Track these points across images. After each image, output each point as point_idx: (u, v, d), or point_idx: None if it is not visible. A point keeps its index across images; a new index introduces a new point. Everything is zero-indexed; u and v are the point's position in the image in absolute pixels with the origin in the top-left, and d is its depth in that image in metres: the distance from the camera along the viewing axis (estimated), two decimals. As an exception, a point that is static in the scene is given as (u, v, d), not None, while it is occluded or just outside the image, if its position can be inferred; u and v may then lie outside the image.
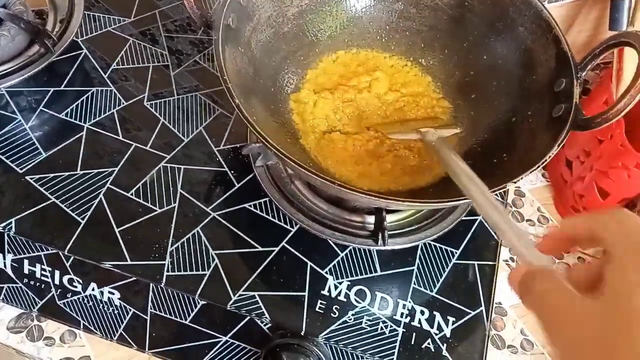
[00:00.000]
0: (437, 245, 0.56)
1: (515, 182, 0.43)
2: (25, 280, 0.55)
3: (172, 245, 0.53)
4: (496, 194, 0.46)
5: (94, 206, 0.54)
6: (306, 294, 0.52)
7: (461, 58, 0.60)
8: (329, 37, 0.61)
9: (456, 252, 0.56)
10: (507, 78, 0.56)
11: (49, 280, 0.54)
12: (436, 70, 0.62)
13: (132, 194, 0.55)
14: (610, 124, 0.46)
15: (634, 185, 0.63)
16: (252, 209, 0.56)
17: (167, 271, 0.51)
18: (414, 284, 0.54)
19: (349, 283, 0.53)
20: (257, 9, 0.54)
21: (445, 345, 0.51)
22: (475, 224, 0.58)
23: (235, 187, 0.57)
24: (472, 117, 0.58)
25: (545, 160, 0.44)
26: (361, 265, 0.54)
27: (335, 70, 0.61)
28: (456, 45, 0.60)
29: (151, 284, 0.52)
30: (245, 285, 0.51)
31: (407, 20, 0.62)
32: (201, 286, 0.51)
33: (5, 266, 0.55)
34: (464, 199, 0.41)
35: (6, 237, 0.54)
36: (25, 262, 0.54)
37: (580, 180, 0.68)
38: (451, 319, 0.53)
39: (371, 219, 0.55)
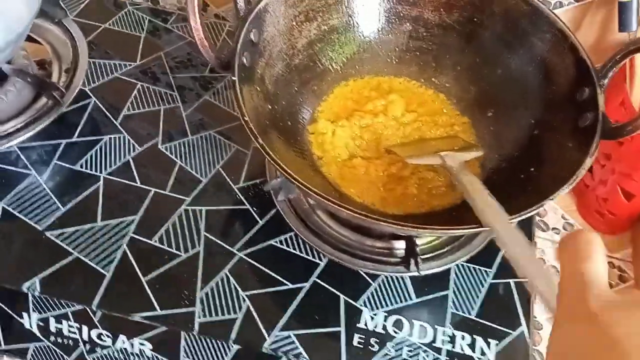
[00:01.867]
0: (471, 266, 0.55)
1: (553, 199, 0.41)
2: (52, 338, 0.54)
3: (201, 290, 0.52)
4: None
5: (118, 257, 0.53)
6: (342, 329, 0.51)
7: (475, 74, 0.59)
8: (340, 64, 0.61)
9: (490, 272, 0.55)
10: (525, 90, 0.55)
11: (77, 336, 0.53)
12: (451, 88, 0.61)
13: (155, 241, 0.54)
14: None
15: (660, 186, 0.62)
16: (278, 245, 0.55)
17: (199, 318, 0.50)
18: (451, 308, 0.53)
19: (385, 313, 0.52)
20: (267, 45, 0.54)
21: (491, 370, 0.50)
22: (506, 241, 0.57)
23: (259, 224, 0.56)
24: (492, 132, 0.57)
25: (580, 173, 0.43)
26: (395, 294, 0.53)
27: (349, 97, 0.60)
28: (468, 61, 0.60)
29: (182, 332, 0.51)
30: (280, 325, 0.50)
31: (416, 40, 0.61)
32: (234, 330, 0.50)
33: (31, 326, 0.53)
34: None
35: (30, 297, 0.52)
36: (52, 320, 0.53)
37: (603, 183, 0.67)
38: (493, 342, 0.51)
39: (398, 244, 0.54)
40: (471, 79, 0.60)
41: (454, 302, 0.53)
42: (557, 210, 0.71)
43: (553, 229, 0.69)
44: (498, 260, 0.55)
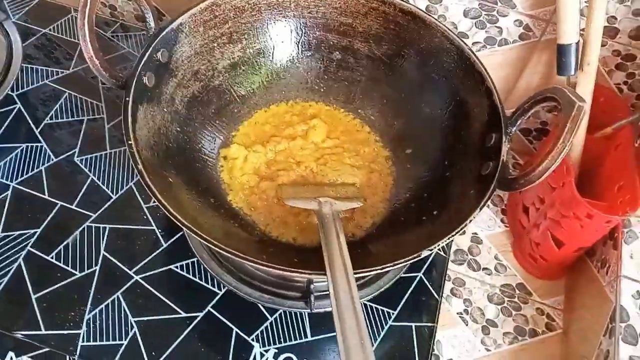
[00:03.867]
0: (374, 305, 0.53)
1: (431, 250, 0.40)
2: (-58, 349, 0.52)
3: (89, 313, 0.50)
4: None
5: (12, 271, 0.52)
6: (228, 364, 0.49)
7: (399, 108, 0.58)
8: (263, 88, 0.60)
9: (393, 314, 0.53)
10: (442, 130, 0.54)
11: (-33, 348, 0.52)
12: (375, 120, 0.60)
13: (52, 257, 0.53)
14: (562, 173, 0.44)
15: (587, 235, 0.60)
16: (178, 270, 0.54)
17: (82, 341, 0.49)
18: (347, 349, 0.51)
19: (276, 350, 0.50)
20: (181, 65, 0.52)
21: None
22: (415, 282, 0.55)
23: (163, 247, 0.55)
24: (408, 170, 0.56)
25: (466, 224, 0.41)
26: (291, 330, 0.51)
27: (269, 122, 0.59)
28: (394, 95, 0.58)
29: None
30: (164, 356, 0.49)
31: (345, 70, 0.60)
32: (116, 358, 0.48)
33: None
34: (409, 259, 0.39)
35: None
36: (-61, 329, 0.52)
37: (536, 227, 0.65)
38: (386, 388, 0.49)
39: (301, 277, 0.52)
40: (395, 114, 0.58)
41: (351, 342, 0.51)
42: (491, 249, 0.70)
43: (484, 269, 0.68)
44: (402, 302, 0.54)
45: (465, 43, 0.53)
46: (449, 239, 0.40)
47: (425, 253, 0.40)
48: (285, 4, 0.57)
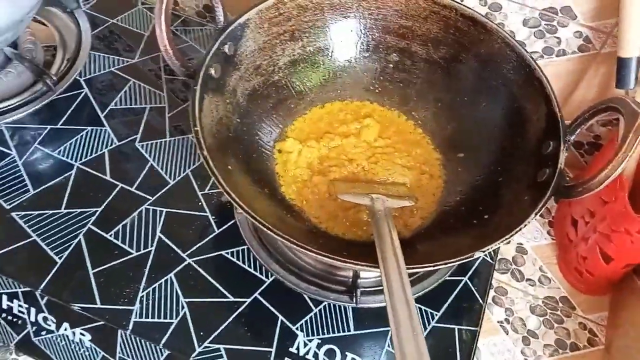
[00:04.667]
0: (417, 305, 0.54)
1: (484, 252, 0.40)
2: (4, 314, 0.55)
3: (143, 291, 0.52)
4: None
5: (72, 246, 0.54)
6: (273, 350, 0.50)
7: (454, 112, 0.58)
8: (320, 86, 0.61)
9: (436, 315, 0.53)
10: (497, 136, 0.54)
11: (25, 316, 0.55)
12: (428, 123, 0.60)
13: (111, 236, 0.55)
14: (614, 186, 0.43)
15: (637, 252, 0.59)
16: (228, 256, 0.55)
17: (135, 317, 0.51)
18: (389, 346, 0.52)
19: (320, 341, 0.51)
20: (245, 59, 0.54)
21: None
22: (460, 285, 0.55)
23: (215, 233, 0.57)
24: (459, 173, 0.56)
25: (520, 229, 0.42)
26: (334, 323, 0.52)
27: (324, 119, 0.60)
28: (449, 99, 0.59)
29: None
30: (212, 337, 0.50)
31: (401, 71, 0.61)
32: (167, 335, 0.50)
33: (-17, 300, 0.55)
34: (463, 258, 0.40)
35: (-14, 273, 0.54)
36: (4, 297, 0.55)
37: (584, 241, 0.64)
38: (426, 387, 0.50)
39: (346, 272, 0.53)
40: (449, 118, 0.59)
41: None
42: (537, 261, 0.69)
43: (528, 279, 0.67)
44: (447, 304, 0.54)
45: (525, 50, 0.53)
46: (502, 242, 0.40)
47: (478, 254, 0.40)
48: (347, 5, 0.58)
